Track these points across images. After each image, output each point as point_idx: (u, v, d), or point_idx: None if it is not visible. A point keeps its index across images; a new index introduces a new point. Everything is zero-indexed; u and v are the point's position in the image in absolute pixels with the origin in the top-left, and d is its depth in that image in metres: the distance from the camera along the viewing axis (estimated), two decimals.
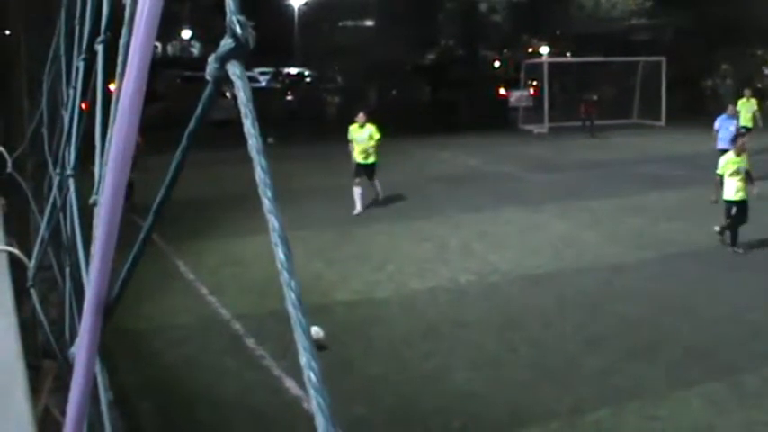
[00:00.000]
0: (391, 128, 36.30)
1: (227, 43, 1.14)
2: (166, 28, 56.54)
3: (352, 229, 17.75)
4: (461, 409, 9.30)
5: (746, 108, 27.81)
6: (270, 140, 31.32)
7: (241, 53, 1.14)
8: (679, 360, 10.62)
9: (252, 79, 45.69)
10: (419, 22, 48.44)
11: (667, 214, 19.19)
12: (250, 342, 11.19)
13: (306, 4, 55.08)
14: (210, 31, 49.43)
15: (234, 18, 1.13)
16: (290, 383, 9.60)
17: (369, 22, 57.49)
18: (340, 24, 55.30)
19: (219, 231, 17.60)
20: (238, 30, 1.13)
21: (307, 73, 53.33)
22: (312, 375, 0.97)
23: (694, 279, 14.19)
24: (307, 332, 0.99)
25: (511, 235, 17.41)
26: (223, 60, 1.15)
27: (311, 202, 20.09)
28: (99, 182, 2.58)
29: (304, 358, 0.98)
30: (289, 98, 45.16)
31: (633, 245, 16.48)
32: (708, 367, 10.34)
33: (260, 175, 1.08)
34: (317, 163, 27.70)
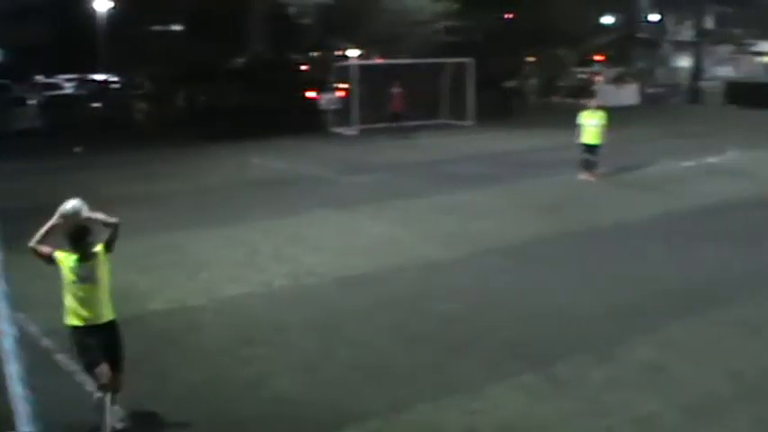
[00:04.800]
0: (201, 133, 35.96)
1: None
2: None
3: (165, 237, 17.30)
4: (282, 414, 9.21)
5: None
6: (76, 149, 30.17)
7: None
8: (496, 354, 10.87)
9: (56, 86, 44.24)
10: (229, 27, 47.96)
11: (477, 212, 19.68)
12: (61, 357, 10.68)
13: (113, 8, 53.54)
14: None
15: None
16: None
17: (178, 27, 56.63)
18: (148, 29, 54.13)
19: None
20: None
21: (113, 79, 51.79)
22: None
23: (507, 274, 14.60)
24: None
25: (326, 237, 17.41)
26: None
27: (122, 210, 19.25)
28: None
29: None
30: (96, 105, 43.59)
31: (447, 243, 16.79)
32: (523, 359, 10.64)
33: None
34: (126, 170, 26.90)
